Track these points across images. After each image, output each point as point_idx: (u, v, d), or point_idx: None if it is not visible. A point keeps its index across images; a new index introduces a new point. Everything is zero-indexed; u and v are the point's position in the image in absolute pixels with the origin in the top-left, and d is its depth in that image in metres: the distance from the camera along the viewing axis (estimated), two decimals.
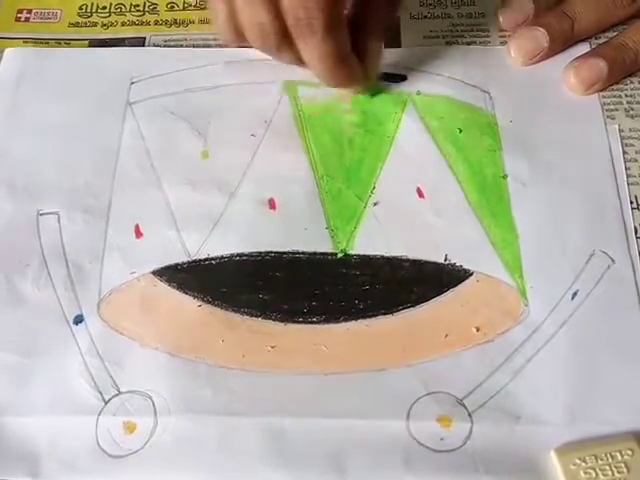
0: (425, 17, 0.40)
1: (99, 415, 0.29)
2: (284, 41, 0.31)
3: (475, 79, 0.37)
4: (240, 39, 0.32)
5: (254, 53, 0.34)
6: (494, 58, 0.38)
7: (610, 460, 0.27)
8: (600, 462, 0.27)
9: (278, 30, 0.30)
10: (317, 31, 0.30)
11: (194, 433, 0.29)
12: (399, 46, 0.39)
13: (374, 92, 0.37)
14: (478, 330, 0.30)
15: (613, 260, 0.32)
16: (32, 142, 0.36)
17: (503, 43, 0.39)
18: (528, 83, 0.37)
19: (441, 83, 0.37)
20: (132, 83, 0.38)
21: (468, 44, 0.39)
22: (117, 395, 0.30)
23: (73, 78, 0.38)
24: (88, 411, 0.29)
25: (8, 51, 0.39)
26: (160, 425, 0.29)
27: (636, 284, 0.31)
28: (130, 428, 0.29)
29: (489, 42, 0.39)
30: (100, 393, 0.30)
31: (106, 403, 0.30)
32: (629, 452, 0.27)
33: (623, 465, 0.27)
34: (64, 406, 0.29)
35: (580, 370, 0.29)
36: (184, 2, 0.41)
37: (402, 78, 0.37)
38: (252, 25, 0.31)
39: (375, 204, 0.34)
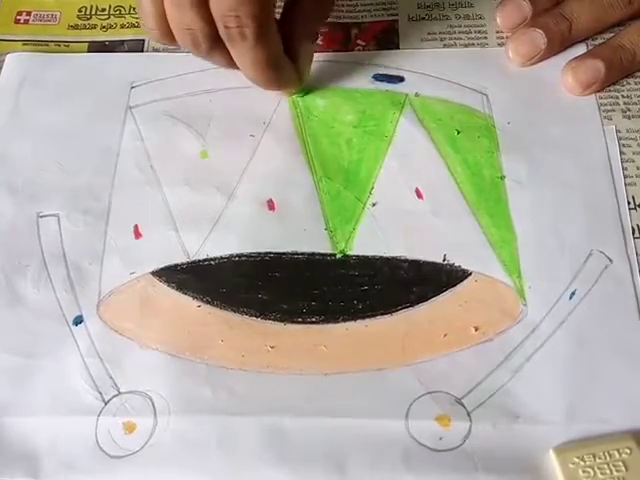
0: (423, 19, 0.40)
1: (99, 415, 0.29)
2: (215, 45, 0.30)
3: (473, 81, 0.37)
4: (170, 42, 0.31)
5: None
6: (492, 60, 0.38)
7: (608, 459, 0.27)
8: (598, 461, 0.27)
9: (208, 36, 0.30)
10: (248, 38, 0.30)
11: (194, 433, 0.29)
12: (397, 48, 0.39)
13: (306, 92, 0.37)
14: (477, 330, 0.31)
15: (611, 260, 0.32)
16: (33, 145, 0.36)
17: (501, 44, 0.39)
18: (525, 84, 0.37)
19: (439, 85, 0.37)
20: (132, 87, 0.38)
21: (466, 46, 0.39)
22: (117, 395, 0.30)
23: (74, 83, 0.38)
24: (88, 411, 0.29)
25: (10, 56, 0.39)
26: (160, 425, 0.29)
27: (633, 284, 0.31)
28: (130, 428, 0.29)
29: (487, 44, 0.39)
30: (100, 393, 0.30)
31: (106, 403, 0.30)
32: (627, 451, 0.27)
33: (621, 464, 0.27)
34: (64, 406, 0.30)
35: (578, 369, 0.29)
36: None
37: (400, 79, 0.37)
38: (181, 30, 0.30)
39: (374, 205, 0.34)
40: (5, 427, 0.29)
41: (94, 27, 0.41)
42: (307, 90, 0.37)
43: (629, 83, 0.37)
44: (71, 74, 0.38)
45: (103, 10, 0.41)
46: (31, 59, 0.39)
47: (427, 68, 0.38)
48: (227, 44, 0.30)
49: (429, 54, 0.38)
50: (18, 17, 0.41)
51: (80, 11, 0.41)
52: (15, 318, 0.32)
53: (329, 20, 0.40)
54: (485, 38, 0.39)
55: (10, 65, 0.39)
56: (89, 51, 0.40)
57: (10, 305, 0.32)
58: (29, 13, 0.41)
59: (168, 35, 0.31)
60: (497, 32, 0.39)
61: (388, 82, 0.37)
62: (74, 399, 0.30)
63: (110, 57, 0.39)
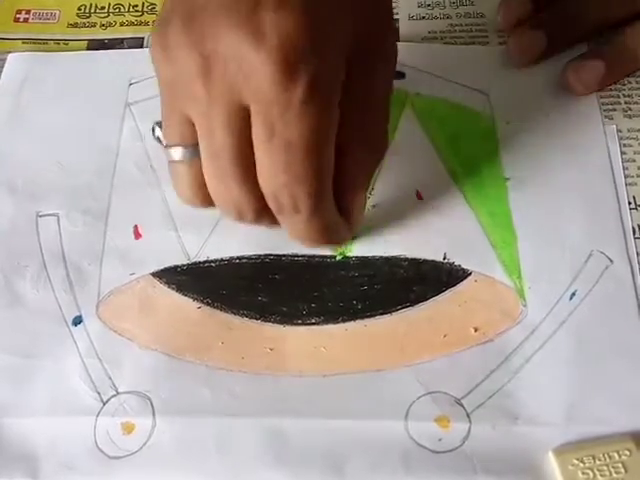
0: (423, 18, 0.40)
1: (97, 416, 0.29)
2: (263, 215, 0.27)
3: (474, 80, 0.37)
4: (209, 206, 0.28)
5: None
6: (493, 58, 0.38)
7: (608, 460, 0.27)
8: (598, 462, 0.27)
9: (256, 208, 0.26)
10: (302, 212, 0.26)
11: (193, 434, 0.29)
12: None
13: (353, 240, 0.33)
14: (476, 330, 0.31)
15: (611, 260, 0.32)
16: (33, 144, 0.36)
17: (502, 43, 0.39)
18: (526, 84, 0.37)
19: (440, 84, 0.37)
20: (130, 84, 0.38)
21: (467, 44, 0.39)
22: (115, 396, 0.30)
23: (73, 81, 0.38)
24: (87, 412, 0.29)
25: (11, 56, 0.39)
26: (158, 426, 0.29)
27: (634, 284, 0.31)
28: (128, 429, 0.29)
29: (487, 42, 0.39)
30: (99, 394, 0.30)
31: (104, 404, 0.30)
32: (627, 452, 0.27)
33: (621, 465, 0.27)
34: (63, 407, 0.30)
35: (578, 370, 0.29)
36: None
37: (401, 75, 0.37)
38: (225, 201, 0.26)
39: (373, 206, 0.34)
40: (4, 427, 0.29)
41: (93, 25, 0.41)
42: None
43: (630, 82, 0.37)
44: (70, 72, 0.38)
45: (102, 8, 0.41)
46: (32, 59, 0.39)
47: (428, 65, 0.37)
48: (277, 216, 0.27)
49: (430, 52, 0.38)
50: (18, 15, 0.41)
51: (79, 9, 0.41)
52: (14, 318, 0.32)
53: None
54: (486, 37, 0.39)
55: (11, 65, 0.39)
56: (88, 49, 0.40)
57: (9, 305, 0.32)
58: (28, 11, 0.41)
59: (208, 203, 0.27)
60: (498, 30, 0.39)
61: None
62: (73, 399, 0.30)
63: (108, 54, 0.39)
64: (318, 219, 0.27)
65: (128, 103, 0.37)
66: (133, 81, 0.38)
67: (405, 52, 0.37)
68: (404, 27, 0.40)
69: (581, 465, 0.27)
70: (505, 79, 0.37)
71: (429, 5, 0.41)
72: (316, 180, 0.25)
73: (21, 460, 0.29)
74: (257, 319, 0.31)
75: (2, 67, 0.39)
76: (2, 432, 0.29)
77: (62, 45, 0.40)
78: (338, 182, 0.27)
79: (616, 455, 0.27)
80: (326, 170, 0.25)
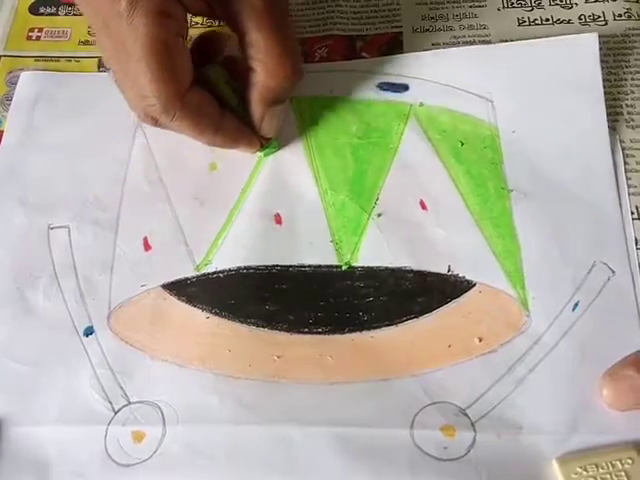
0: (427, 30, 0.40)
1: (109, 425, 0.30)
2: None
3: (478, 85, 0.37)
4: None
5: None
6: (497, 61, 0.37)
7: (611, 469, 0.27)
8: (601, 471, 0.27)
9: (145, 117, 0.32)
10: (159, 120, 0.32)
11: (202, 442, 0.29)
12: None
13: (272, 150, 0.36)
14: (481, 340, 0.31)
15: (613, 271, 0.32)
16: (45, 160, 0.37)
17: None
18: (531, 93, 0.37)
19: (444, 93, 0.37)
20: None
21: None
22: (127, 405, 0.30)
23: (85, 100, 0.39)
24: (98, 421, 0.30)
25: (24, 75, 0.40)
26: (168, 434, 0.29)
27: (635, 295, 0.31)
28: (139, 437, 0.30)
29: None
30: (110, 403, 0.30)
31: (116, 413, 0.30)
32: (629, 461, 0.27)
33: (623, 474, 0.27)
34: (74, 416, 0.30)
35: (581, 380, 0.30)
36: (190, 20, 0.42)
37: (404, 88, 0.37)
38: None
39: (379, 215, 0.34)
40: (16, 436, 0.30)
41: None
42: (272, 149, 0.36)
43: (633, 92, 0.37)
44: (83, 92, 0.39)
45: None
46: (45, 78, 0.40)
47: (432, 74, 0.37)
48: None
49: (434, 60, 0.38)
50: (30, 34, 0.42)
51: (90, 27, 0.42)
52: (27, 328, 0.32)
53: (334, 32, 0.40)
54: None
55: (24, 83, 0.39)
56: (99, 66, 0.40)
57: (22, 315, 0.33)
58: (41, 30, 0.42)
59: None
60: (501, 41, 0.39)
61: (393, 91, 0.37)
62: (84, 409, 0.30)
63: None
64: (180, 123, 0.32)
65: (139, 122, 0.38)
66: None
67: (409, 64, 0.38)
68: (408, 39, 0.40)
69: (584, 473, 0.27)
70: (510, 87, 0.37)
71: (432, 18, 0.41)
72: (158, 88, 0.30)
73: (32, 468, 0.29)
74: (264, 327, 0.32)
75: (15, 83, 0.39)
76: (14, 440, 0.30)
77: (73, 62, 0.41)
78: (248, 96, 0.33)
79: (619, 464, 0.27)
80: (168, 77, 0.30)
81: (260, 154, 0.36)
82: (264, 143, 0.35)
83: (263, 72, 0.32)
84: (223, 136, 0.34)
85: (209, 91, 0.33)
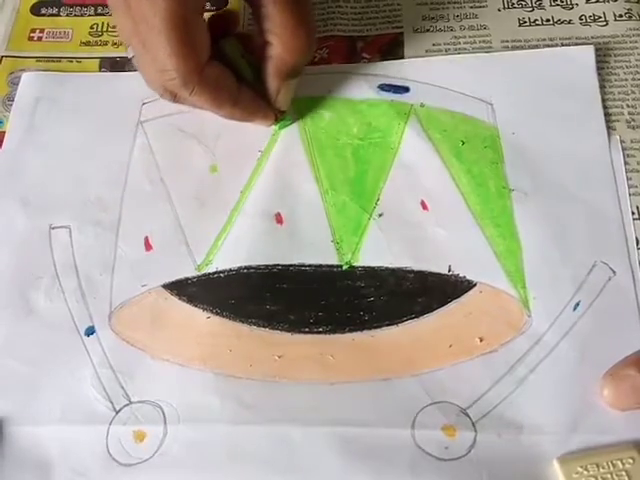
0: (427, 31, 0.40)
1: (110, 424, 0.30)
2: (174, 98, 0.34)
3: (478, 90, 0.37)
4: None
5: None
6: (497, 66, 0.38)
7: (612, 468, 0.27)
8: (602, 470, 0.27)
9: (164, 92, 0.34)
10: (177, 95, 0.33)
11: (203, 441, 0.29)
12: (402, 58, 0.39)
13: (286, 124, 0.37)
14: (481, 340, 0.31)
15: (614, 271, 0.32)
16: (46, 160, 0.37)
17: None
18: (530, 94, 0.37)
19: (444, 95, 0.37)
20: (143, 104, 0.38)
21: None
22: (128, 405, 0.30)
23: (87, 101, 0.39)
24: (99, 420, 0.30)
25: (25, 75, 0.40)
26: (170, 434, 0.30)
27: (636, 295, 0.31)
28: (140, 437, 0.30)
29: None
30: (111, 403, 0.30)
31: (117, 413, 0.30)
32: (630, 460, 0.27)
33: (624, 473, 0.27)
34: (75, 415, 0.30)
35: (582, 380, 0.30)
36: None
37: (405, 89, 0.38)
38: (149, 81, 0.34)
39: (380, 215, 0.34)
40: (18, 435, 0.30)
41: (105, 44, 0.41)
42: (287, 122, 0.37)
43: (634, 92, 0.37)
44: (84, 92, 0.39)
45: (114, 27, 0.42)
46: (46, 79, 0.40)
47: (432, 77, 0.38)
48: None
49: (434, 63, 0.38)
50: (32, 34, 0.42)
51: (92, 28, 0.42)
52: (28, 328, 0.32)
53: (335, 33, 0.40)
54: (490, 48, 0.39)
55: (26, 84, 0.40)
56: (100, 67, 0.41)
57: (24, 316, 0.33)
58: (42, 30, 0.42)
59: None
60: (502, 41, 0.39)
61: (394, 92, 0.38)
62: (86, 408, 0.30)
63: (122, 76, 0.40)
64: (199, 97, 0.33)
65: (140, 121, 0.38)
66: (146, 101, 0.38)
67: (409, 66, 0.38)
68: (409, 40, 0.40)
69: (585, 473, 0.27)
70: (509, 89, 0.37)
71: (433, 18, 0.41)
72: (177, 62, 0.31)
73: (34, 467, 0.29)
74: (265, 327, 0.32)
75: (17, 84, 0.40)
76: (15, 440, 0.30)
77: (75, 63, 0.41)
78: (264, 69, 0.34)
79: (620, 463, 0.27)
80: (187, 52, 0.31)
81: (275, 127, 0.37)
82: (279, 116, 0.36)
83: (279, 45, 0.33)
84: (241, 109, 0.34)
85: (226, 65, 0.33)
